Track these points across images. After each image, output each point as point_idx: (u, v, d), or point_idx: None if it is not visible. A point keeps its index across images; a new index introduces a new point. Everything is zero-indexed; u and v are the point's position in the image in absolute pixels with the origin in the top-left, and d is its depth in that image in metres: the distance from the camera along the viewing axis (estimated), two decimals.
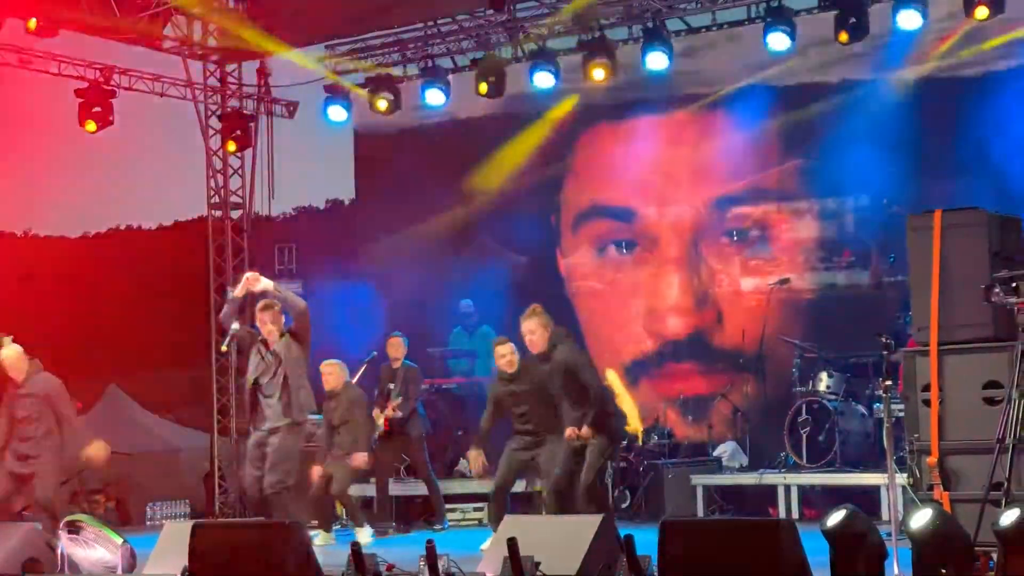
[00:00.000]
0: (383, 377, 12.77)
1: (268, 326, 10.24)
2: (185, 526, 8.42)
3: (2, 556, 8.90)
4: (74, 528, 9.01)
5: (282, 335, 10.26)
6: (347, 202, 23.34)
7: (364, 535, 11.37)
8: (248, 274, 10.41)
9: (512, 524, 8.18)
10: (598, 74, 14.38)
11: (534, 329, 9.91)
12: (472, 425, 14.35)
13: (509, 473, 10.53)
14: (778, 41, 13.67)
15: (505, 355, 10.48)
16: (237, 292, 10.33)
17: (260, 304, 10.31)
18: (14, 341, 10.74)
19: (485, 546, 9.40)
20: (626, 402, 14.35)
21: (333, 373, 11.89)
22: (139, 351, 27.59)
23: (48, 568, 8.96)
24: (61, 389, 10.79)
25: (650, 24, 14.38)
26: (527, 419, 10.39)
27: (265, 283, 10.19)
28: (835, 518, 6.82)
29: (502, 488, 10.49)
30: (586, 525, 7.83)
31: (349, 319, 14.71)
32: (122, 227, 47.15)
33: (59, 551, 8.95)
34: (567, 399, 9.88)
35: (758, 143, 14.65)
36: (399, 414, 12.43)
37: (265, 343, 10.31)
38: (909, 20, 13.01)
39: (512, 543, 7.31)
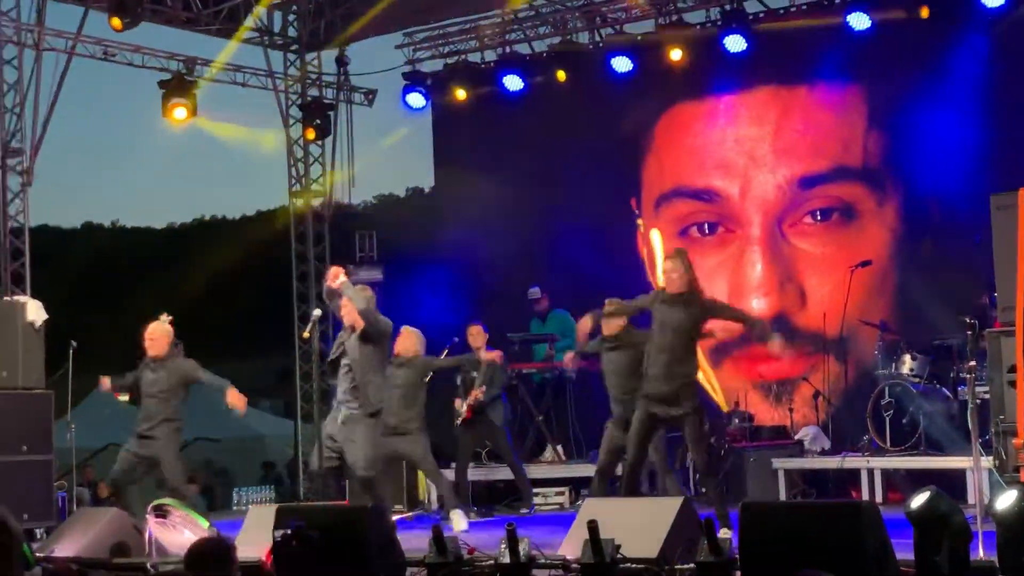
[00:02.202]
0: (466, 366, 12.73)
1: (341, 312, 10.31)
2: (270, 510, 8.52)
3: (90, 541, 9.06)
4: (161, 512, 9.10)
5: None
6: (427, 189, 23.45)
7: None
8: (332, 269, 10.48)
9: (593, 507, 8.17)
10: (675, 55, 14.39)
11: (676, 268, 9.74)
12: (554, 410, 14.37)
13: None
14: (859, 21, 13.57)
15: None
16: (327, 282, 10.44)
17: None
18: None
19: None
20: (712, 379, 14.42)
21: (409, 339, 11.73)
22: (223, 339, 27.94)
23: (136, 552, 9.06)
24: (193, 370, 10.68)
25: (728, 7, 14.32)
26: None
27: (340, 281, 10.22)
28: (918, 500, 6.75)
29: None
30: (667, 507, 7.81)
31: (430, 306, 14.76)
32: (207, 217, 47.79)
33: (147, 535, 9.05)
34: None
35: (843, 121, 14.47)
36: (483, 399, 12.45)
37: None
38: None
39: (592, 525, 7.31)
